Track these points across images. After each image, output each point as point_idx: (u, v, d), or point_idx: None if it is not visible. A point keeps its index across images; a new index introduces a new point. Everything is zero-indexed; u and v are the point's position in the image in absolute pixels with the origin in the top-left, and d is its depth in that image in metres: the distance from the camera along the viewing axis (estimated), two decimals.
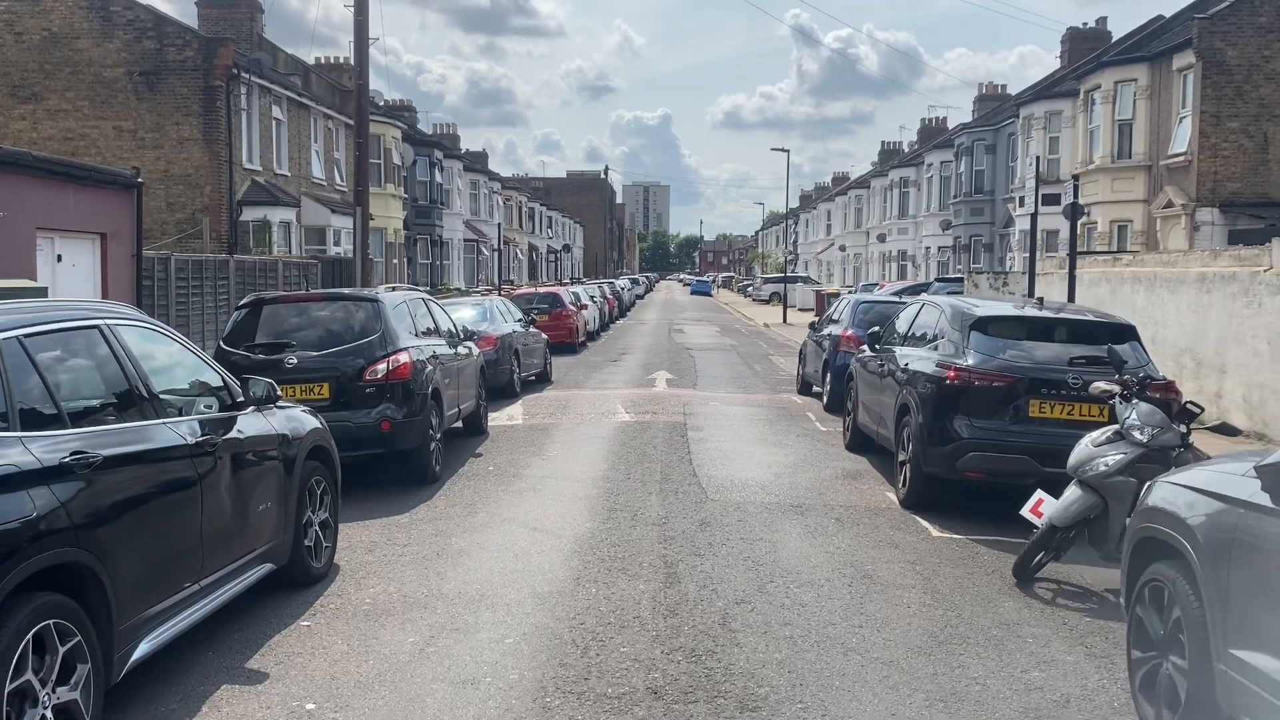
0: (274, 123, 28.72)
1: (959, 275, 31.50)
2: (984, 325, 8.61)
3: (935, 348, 9.07)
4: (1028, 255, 14.78)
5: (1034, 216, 13.76)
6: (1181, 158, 24.73)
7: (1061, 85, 33.93)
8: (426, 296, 11.46)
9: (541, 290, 28.86)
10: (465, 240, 49.76)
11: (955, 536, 7.97)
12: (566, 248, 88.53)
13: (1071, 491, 6.62)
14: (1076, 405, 8.05)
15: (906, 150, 64.85)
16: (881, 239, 55.21)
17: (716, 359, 24.21)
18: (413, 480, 9.70)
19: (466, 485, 9.66)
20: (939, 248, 44.75)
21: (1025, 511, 6.90)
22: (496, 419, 13.93)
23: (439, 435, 10.13)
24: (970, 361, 8.36)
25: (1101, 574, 6.96)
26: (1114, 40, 37.68)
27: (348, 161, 34.71)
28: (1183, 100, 25.12)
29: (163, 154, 25.20)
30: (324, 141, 32.41)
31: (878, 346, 10.83)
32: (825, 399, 14.87)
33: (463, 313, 16.74)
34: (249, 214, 26.04)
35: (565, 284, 49.07)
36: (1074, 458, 6.68)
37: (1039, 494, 6.92)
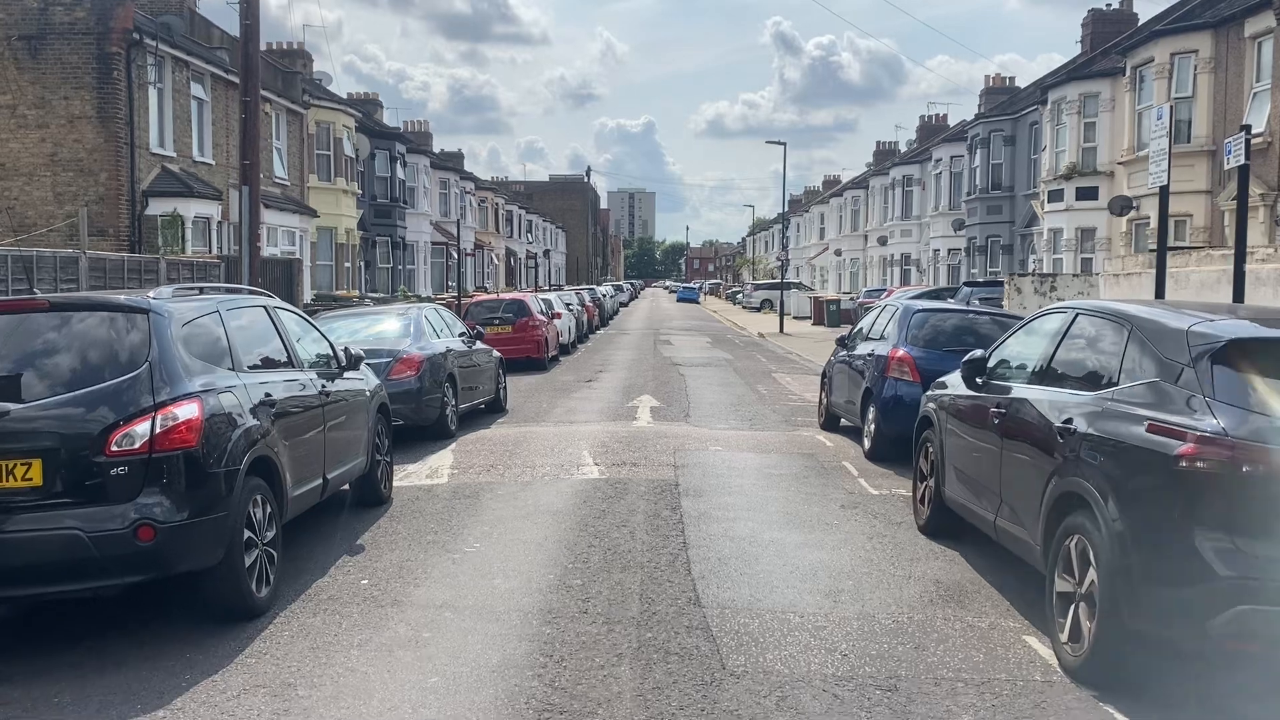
0: (194, 102, 24.62)
1: (994, 278, 27.68)
2: (1234, 356, 4.66)
3: (1114, 396, 5.11)
4: (1156, 245, 10.86)
5: (1165, 190, 9.84)
6: (1259, 140, 20.91)
7: (1096, 64, 30.18)
8: (277, 304, 7.42)
9: (506, 297, 24.80)
10: (433, 243, 45.65)
11: None
12: (547, 253, 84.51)
13: None
14: None
15: (904, 150, 61.17)
16: (882, 242, 51.41)
17: (711, 378, 20.22)
18: (215, 616, 5.69)
19: (305, 627, 5.63)
20: (949, 250, 40.95)
21: None
22: (412, 475, 9.92)
23: (272, 534, 6.10)
24: (1222, 423, 4.40)
25: None
26: (1141, 23, 34.06)
27: (290, 151, 30.70)
28: (1257, 72, 21.35)
29: (49, 134, 21.06)
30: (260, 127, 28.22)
31: (980, 381, 6.88)
32: (868, 444, 10.90)
33: (383, 326, 12.76)
34: (157, 206, 21.93)
35: (542, 290, 45.03)
36: None
37: None
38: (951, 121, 54.19)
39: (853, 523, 8.01)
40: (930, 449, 7.72)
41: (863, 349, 11.80)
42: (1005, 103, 39.83)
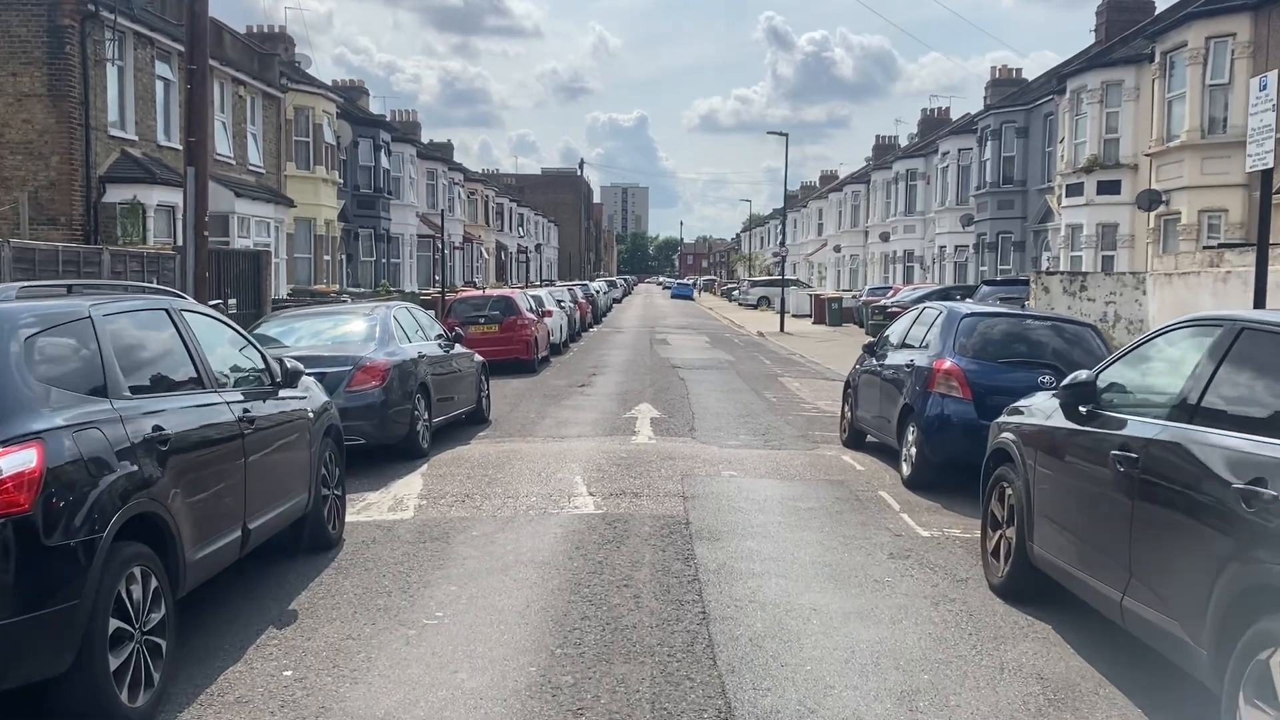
0: (159, 82, 22.99)
1: (1016, 277, 26.18)
2: None
3: None
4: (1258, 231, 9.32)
5: (1268, 175, 8.31)
6: None
7: (1117, 51, 28.70)
8: (186, 305, 5.85)
9: (492, 294, 23.20)
10: (419, 236, 43.96)
11: None
12: (539, 247, 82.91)
13: None
14: None
15: (904, 144, 59.65)
16: (884, 238, 49.94)
17: (714, 383, 18.69)
18: None
19: None
20: (956, 247, 39.47)
21: None
22: (372, 507, 8.36)
23: (159, 616, 4.54)
24: None
25: None
26: (1158, 11, 32.59)
27: (266, 137, 29.04)
28: None
29: None
30: (233, 111, 26.61)
31: (1084, 411, 5.35)
32: (907, 469, 9.38)
33: (346, 328, 11.19)
34: (115, 193, 20.29)
35: (533, 285, 43.45)
36: None
37: None
38: (953, 116, 52.74)
39: (909, 579, 6.48)
40: (1008, 491, 6.20)
41: (897, 359, 10.27)
42: (1016, 94, 38.37)
